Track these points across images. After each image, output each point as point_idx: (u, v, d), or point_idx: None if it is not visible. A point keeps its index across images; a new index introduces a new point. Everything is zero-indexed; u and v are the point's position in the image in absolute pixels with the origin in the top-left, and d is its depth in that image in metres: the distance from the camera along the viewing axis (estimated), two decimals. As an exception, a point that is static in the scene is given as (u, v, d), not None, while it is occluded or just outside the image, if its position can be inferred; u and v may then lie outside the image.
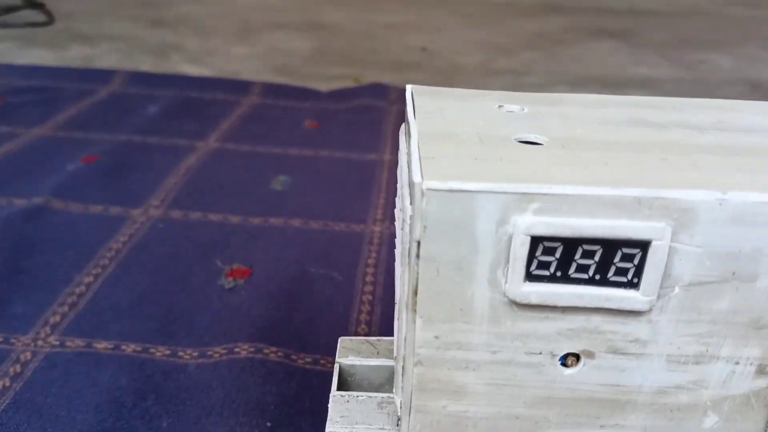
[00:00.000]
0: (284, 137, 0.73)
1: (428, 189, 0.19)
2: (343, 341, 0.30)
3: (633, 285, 0.20)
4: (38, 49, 1.06)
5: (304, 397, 0.36)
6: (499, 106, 0.26)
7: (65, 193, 0.58)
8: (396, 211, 0.29)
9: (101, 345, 0.40)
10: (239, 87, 0.87)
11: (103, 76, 0.90)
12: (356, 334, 0.42)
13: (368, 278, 0.47)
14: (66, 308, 0.43)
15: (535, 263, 0.20)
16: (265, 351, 0.39)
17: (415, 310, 0.20)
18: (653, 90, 1.03)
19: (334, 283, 0.47)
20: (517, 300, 0.20)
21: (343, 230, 0.54)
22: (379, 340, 0.30)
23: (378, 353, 0.29)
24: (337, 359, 0.28)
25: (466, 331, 0.20)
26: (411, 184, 0.20)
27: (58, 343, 0.40)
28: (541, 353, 0.21)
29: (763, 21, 1.56)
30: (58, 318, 0.42)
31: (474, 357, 0.21)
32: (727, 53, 1.25)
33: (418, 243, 0.20)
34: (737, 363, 0.21)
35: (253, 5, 1.48)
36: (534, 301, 0.20)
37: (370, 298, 0.45)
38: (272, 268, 0.48)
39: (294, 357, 0.39)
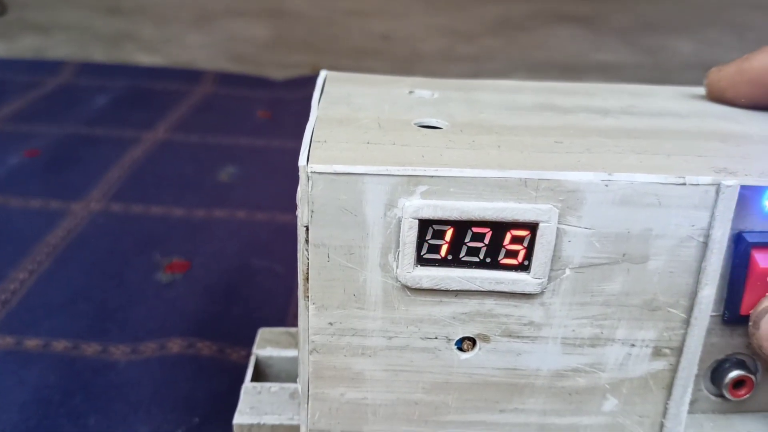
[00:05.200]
0: (235, 127, 0.71)
1: (313, 172, 0.19)
2: (263, 332, 0.29)
3: (523, 268, 0.19)
4: (-12, 40, 1.03)
5: (235, 391, 0.36)
6: (410, 92, 0.25)
7: (5, 187, 0.56)
8: None
9: (31, 343, 0.39)
10: (192, 76, 0.86)
11: (53, 67, 0.88)
12: (293, 326, 0.41)
13: (310, 268, 0.47)
14: (-3, 306, 0.42)
15: (425, 247, 0.19)
16: (198, 345, 0.39)
17: (307, 297, 0.20)
18: (612, 76, 1.03)
19: (275, 276, 0.46)
20: (409, 284, 0.20)
21: (289, 221, 0.53)
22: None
23: (297, 344, 0.29)
24: (254, 350, 0.28)
25: (360, 317, 0.20)
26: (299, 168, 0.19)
27: (-14, 341, 0.39)
28: (436, 338, 0.20)
29: (724, 5, 1.57)
30: (-13, 316, 0.41)
31: (370, 343, 0.20)
32: (688, 38, 1.26)
33: (307, 228, 0.19)
34: (633, 345, 0.21)
35: (213, -6, 1.46)
36: (426, 285, 0.20)
37: (311, 288, 0.45)
38: (212, 261, 0.47)
39: (228, 351, 0.39)
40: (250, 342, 0.40)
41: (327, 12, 1.35)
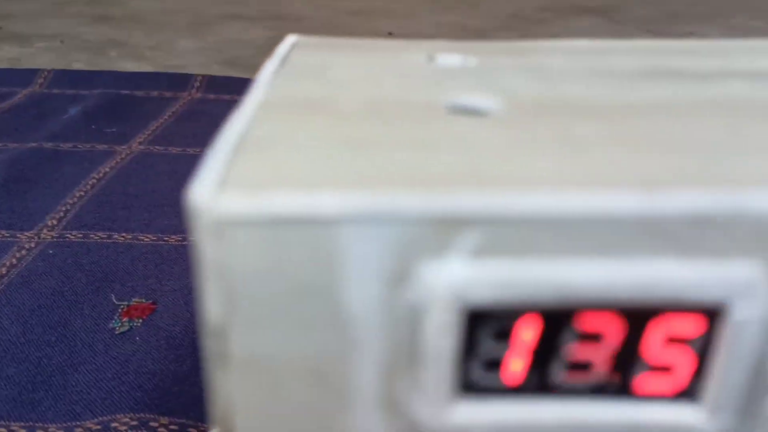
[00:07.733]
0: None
1: (221, 219, 0.09)
2: None
3: (688, 395, 0.10)
4: (-40, 50, 0.95)
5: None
6: (430, 58, 0.16)
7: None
8: None
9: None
10: (178, 81, 0.77)
11: (26, 76, 0.79)
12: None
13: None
14: None
15: (478, 361, 0.10)
16: (152, 424, 0.29)
17: None
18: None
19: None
20: None
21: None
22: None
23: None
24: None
25: None
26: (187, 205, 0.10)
27: None
28: None
29: (752, -8, 1.47)
30: None
31: None
32: (716, 25, 1.17)
33: (220, 333, 0.09)
34: None
35: (209, -3, 1.38)
36: None
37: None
38: (181, 302, 0.38)
39: (191, 431, 0.29)
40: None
41: (330, 12, 1.26)
